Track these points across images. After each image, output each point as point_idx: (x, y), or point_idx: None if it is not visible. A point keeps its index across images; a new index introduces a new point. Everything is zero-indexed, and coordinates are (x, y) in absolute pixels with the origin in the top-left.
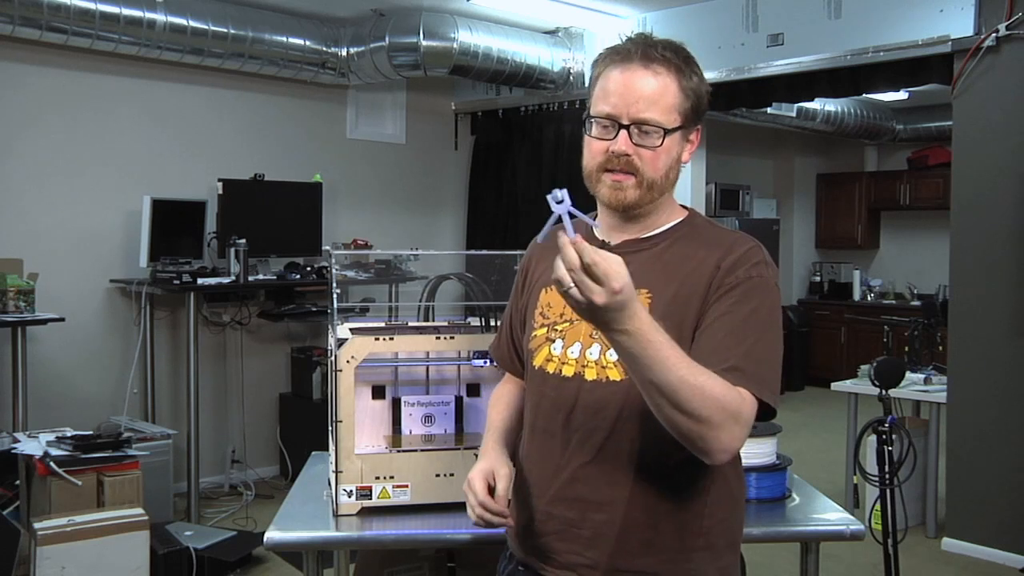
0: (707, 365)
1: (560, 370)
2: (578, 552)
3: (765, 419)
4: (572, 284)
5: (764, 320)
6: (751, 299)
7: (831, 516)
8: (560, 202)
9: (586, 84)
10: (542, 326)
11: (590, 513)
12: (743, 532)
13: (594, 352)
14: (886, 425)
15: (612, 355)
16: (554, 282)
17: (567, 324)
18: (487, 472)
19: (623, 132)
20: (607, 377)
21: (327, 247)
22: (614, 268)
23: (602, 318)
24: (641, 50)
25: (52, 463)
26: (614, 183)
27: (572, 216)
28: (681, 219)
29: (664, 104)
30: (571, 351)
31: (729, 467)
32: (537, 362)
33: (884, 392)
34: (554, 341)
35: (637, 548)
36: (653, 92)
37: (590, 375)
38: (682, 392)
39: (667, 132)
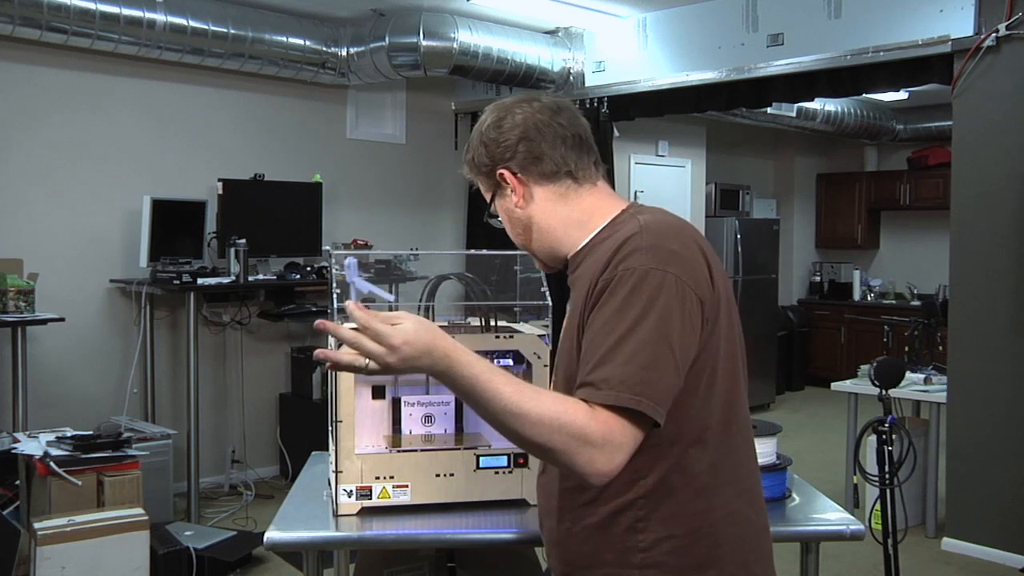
0: (578, 382)
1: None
2: (555, 562)
3: (654, 427)
4: (365, 362)
5: (629, 314)
6: (615, 296)
7: (831, 516)
8: (348, 268)
9: (586, 84)
10: None
11: (544, 520)
12: (737, 550)
13: None
14: (886, 425)
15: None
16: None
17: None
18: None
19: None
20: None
21: (327, 247)
22: (390, 326)
23: (412, 369)
24: None
25: (52, 463)
26: None
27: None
28: (603, 225)
29: (479, 184)
30: None
31: (678, 479)
32: None
33: (884, 392)
34: None
35: (582, 560)
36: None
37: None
38: (508, 422)
39: (488, 211)
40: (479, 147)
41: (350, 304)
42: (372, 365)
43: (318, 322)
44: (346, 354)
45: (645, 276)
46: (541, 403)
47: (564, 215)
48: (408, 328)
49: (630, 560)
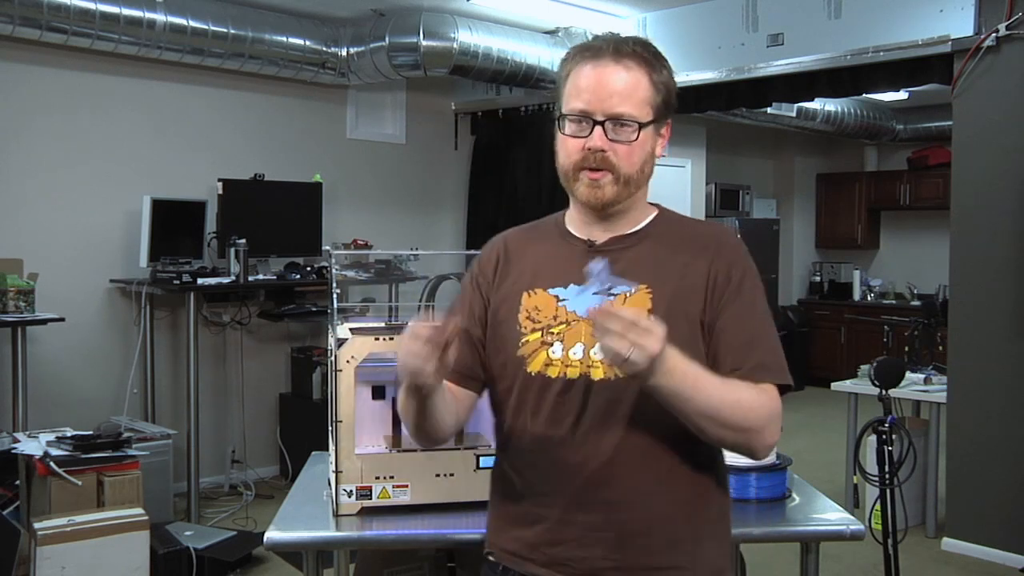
0: (736, 364)
1: (564, 373)
2: (603, 556)
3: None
4: (631, 349)
5: (764, 309)
6: (752, 292)
7: (831, 516)
8: (596, 273)
9: None
10: (534, 330)
11: (614, 514)
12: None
13: (598, 352)
14: (886, 425)
15: None
16: (610, 357)
17: (563, 326)
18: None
19: (598, 128)
20: (616, 375)
21: (327, 247)
22: (647, 316)
23: (650, 372)
24: (613, 46)
25: (52, 463)
26: (592, 181)
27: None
28: (656, 214)
29: (637, 98)
30: (573, 353)
31: (718, 453)
32: (533, 368)
33: (884, 392)
34: (552, 344)
35: (663, 544)
36: (626, 86)
37: (597, 375)
38: (724, 411)
39: (642, 126)
40: (666, 90)
41: (610, 305)
42: (634, 355)
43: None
44: (610, 346)
45: (757, 274)
46: (740, 389)
47: (645, 191)
48: (658, 323)
49: (704, 532)
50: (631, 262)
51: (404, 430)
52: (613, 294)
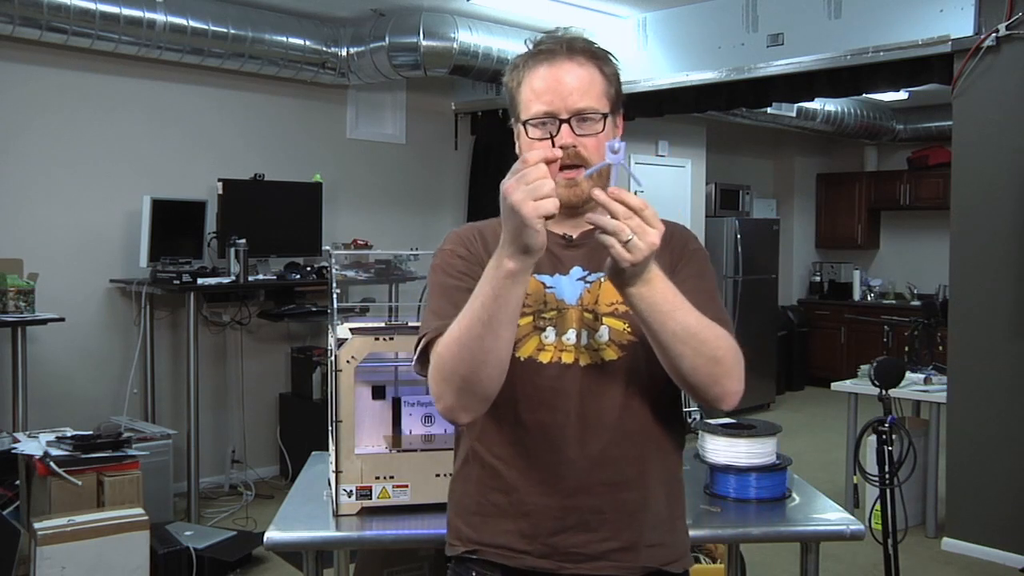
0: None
1: (559, 358)
2: (608, 537)
3: None
4: (631, 233)
5: (715, 287)
6: (706, 267)
7: (831, 516)
8: (615, 152)
9: None
10: (525, 315)
11: (618, 495)
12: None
13: (584, 337)
14: (886, 425)
15: (602, 336)
16: (609, 233)
17: (554, 312)
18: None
19: (565, 126)
20: (602, 359)
21: (327, 247)
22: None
23: (642, 268)
24: (565, 45)
25: (52, 463)
26: (568, 181)
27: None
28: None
29: (595, 92)
30: (567, 338)
31: (682, 432)
32: (524, 353)
33: (884, 392)
34: (544, 329)
35: (653, 521)
36: (582, 82)
37: (584, 360)
38: (704, 333)
39: (605, 116)
40: (616, 81)
41: (619, 190)
42: (635, 241)
43: (601, 191)
44: (613, 223)
45: (709, 259)
46: (713, 323)
47: None
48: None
49: (677, 511)
50: (593, 249)
51: (404, 430)
52: (589, 281)
